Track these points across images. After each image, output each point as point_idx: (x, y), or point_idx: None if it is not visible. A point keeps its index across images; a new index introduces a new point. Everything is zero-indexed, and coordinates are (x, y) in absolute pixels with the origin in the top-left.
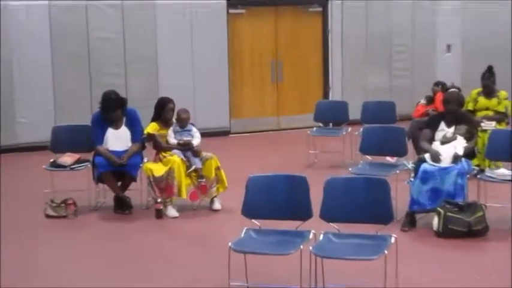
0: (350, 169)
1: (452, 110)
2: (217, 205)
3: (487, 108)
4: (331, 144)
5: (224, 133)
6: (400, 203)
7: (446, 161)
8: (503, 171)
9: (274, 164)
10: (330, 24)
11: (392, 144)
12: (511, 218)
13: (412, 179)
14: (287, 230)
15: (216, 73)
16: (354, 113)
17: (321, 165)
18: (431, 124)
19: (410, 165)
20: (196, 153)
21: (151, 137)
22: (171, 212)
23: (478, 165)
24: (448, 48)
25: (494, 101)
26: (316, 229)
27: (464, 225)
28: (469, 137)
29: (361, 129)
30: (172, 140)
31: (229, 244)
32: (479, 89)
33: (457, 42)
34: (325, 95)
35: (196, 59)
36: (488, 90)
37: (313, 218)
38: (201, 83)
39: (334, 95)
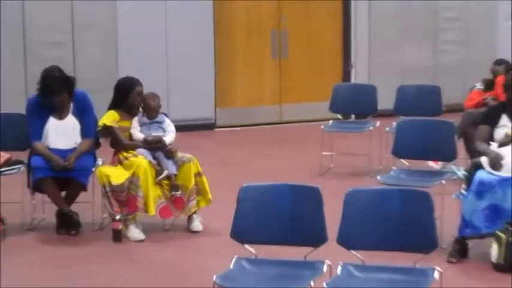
0: (378, 178)
1: None
2: (197, 225)
3: None
4: (352, 143)
5: (208, 127)
6: (446, 224)
7: (510, 167)
8: None
9: (276, 170)
10: None
11: (436, 145)
12: None
13: (464, 192)
14: (292, 260)
15: (198, 46)
16: (385, 101)
17: (338, 172)
18: (490, 117)
19: (461, 174)
20: (169, 153)
21: (108, 130)
22: (134, 233)
23: None
24: None
25: None
26: (332, 259)
27: None
28: None
29: (395, 123)
30: (138, 134)
31: (214, 278)
32: None
33: None
34: (346, 76)
35: (171, 26)
36: None
37: (328, 243)
38: (176, 59)
39: (358, 77)
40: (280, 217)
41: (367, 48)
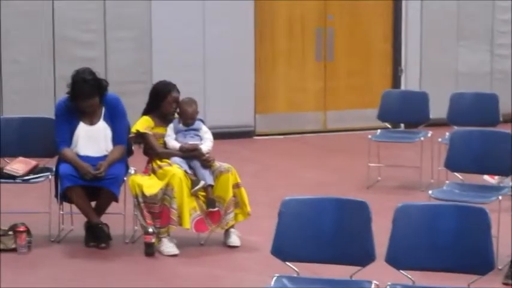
0: (430, 192)
1: None
2: (234, 239)
3: None
4: (402, 154)
5: (247, 134)
6: (503, 243)
7: None
8: None
9: (319, 182)
10: None
11: (492, 158)
12: None
13: None
14: (338, 279)
15: (237, 48)
16: (438, 109)
17: (387, 185)
18: None
19: None
20: (206, 163)
21: (142, 137)
22: (168, 247)
23: None
24: None
25: None
26: (381, 279)
27: None
28: None
29: (448, 133)
30: (173, 142)
31: None
32: None
33: None
34: (395, 82)
35: (209, 27)
36: None
37: (376, 262)
38: (214, 62)
39: (409, 83)
40: (324, 233)
41: (419, 52)
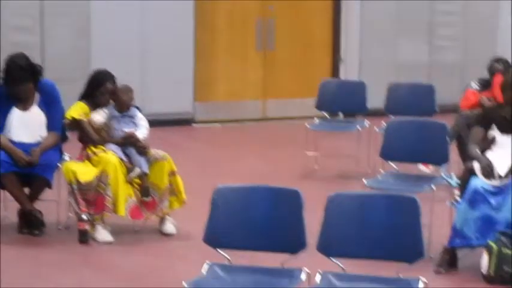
0: (365, 181)
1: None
2: (169, 227)
3: None
4: (339, 144)
5: (185, 122)
6: (436, 232)
7: (503, 174)
8: None
9: (256, 170)
10: None
11: (428, 147)
12: None
13: (458, 200)
14: (269, 268)
15: (177, 35)
16: (376, 99)
17: (323, 175)
18: (485, 120)
19: (453, 180)
20: (142, 150)
21: (76, 124)
22: (102, 234)
23: None
24: None
25: None
26: (312, 267)
27: None
28: None
29: (385, 123)
30: (97, 117)
31: (185, 285)
32: None
33: None
34: (334, 71)
35: (148, 15)
36: None
37: (308, 250)
38: (153, 50)
39: (348, 73)
40: (256, 221)
41: (359, 42)
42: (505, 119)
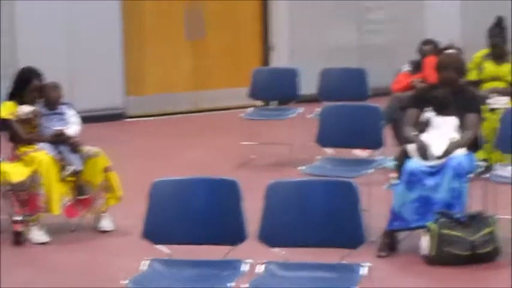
0: (302, 168)
1: (449, 79)
2: (106, 224)
3: (496, 78)
4: (274, 132)
5: (117, 117)
6: (375, 217)
7: (439, 155)
8: None
9: (192, 163)
10: None
11: (362, 132)
12: None
13: (395, 182)
14: (210, 260)
15: (103, 30)
16: (308, 85)
17: (260, 164)
18: (419, 101)
19: (390, 163)
20: (74, 147)
21: (5, 123)
22: (37, 235)
23: (484, 160)
24: None
25: (506, 67)
26: (254, 257)
27: (465, 247)
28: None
29: (319, 109)
30: (24, 109)
31: (125, 282)
32: (486, 51)
33: None
34: (266, 59)
35: (73, 7)
36: (498, 52)
37: (248, 240)
38: (80, 45)
39: (279, 59)
40: (196, 214)
41: (288, 28)
42: (439, 100)
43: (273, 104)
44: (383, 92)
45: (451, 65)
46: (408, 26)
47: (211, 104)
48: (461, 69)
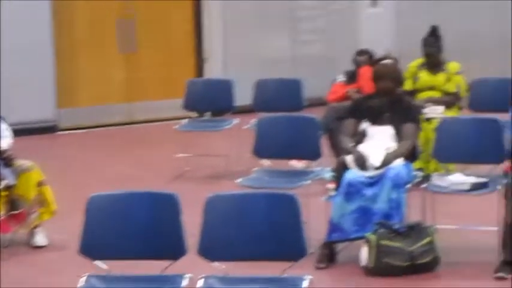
0: (239, 180)
1: (386, 89)
2: (40, 239)
3: (431, 88)
4: (210, 144)
5: (49, 130)
6: (313, 227)
7: (377, 165)
8: (457, 178)
9: (126, 176)
10: None
11: (299, 142)
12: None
13: (333, 194)
14: (150, 275)
15: (34, 41)
16: (243, 96)
17: (195, 176)
18: (356, 111)
19: (327, 174)
20: (8, 161)
21: None
22: None
23: (421, 170)
24: (375, 1)
25: (441, 76)
26: (194, 271)
27: (404, 258)
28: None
29: (254, 120)
30: None
31: None
32: (421, 60)
33: None
34: (199, 70)
35: (4, 21)
36: (433, 62)
37: (189, 255)
38: (8, 56)
39: (213, 71)
40: (134, 228)
41: (221, 40)
42: (375, 110)
43: (208, 115)
44: (318, 103)
45: (388, 75)
46: (342, 36)
47: (145, 115)
48: (398, 79)
